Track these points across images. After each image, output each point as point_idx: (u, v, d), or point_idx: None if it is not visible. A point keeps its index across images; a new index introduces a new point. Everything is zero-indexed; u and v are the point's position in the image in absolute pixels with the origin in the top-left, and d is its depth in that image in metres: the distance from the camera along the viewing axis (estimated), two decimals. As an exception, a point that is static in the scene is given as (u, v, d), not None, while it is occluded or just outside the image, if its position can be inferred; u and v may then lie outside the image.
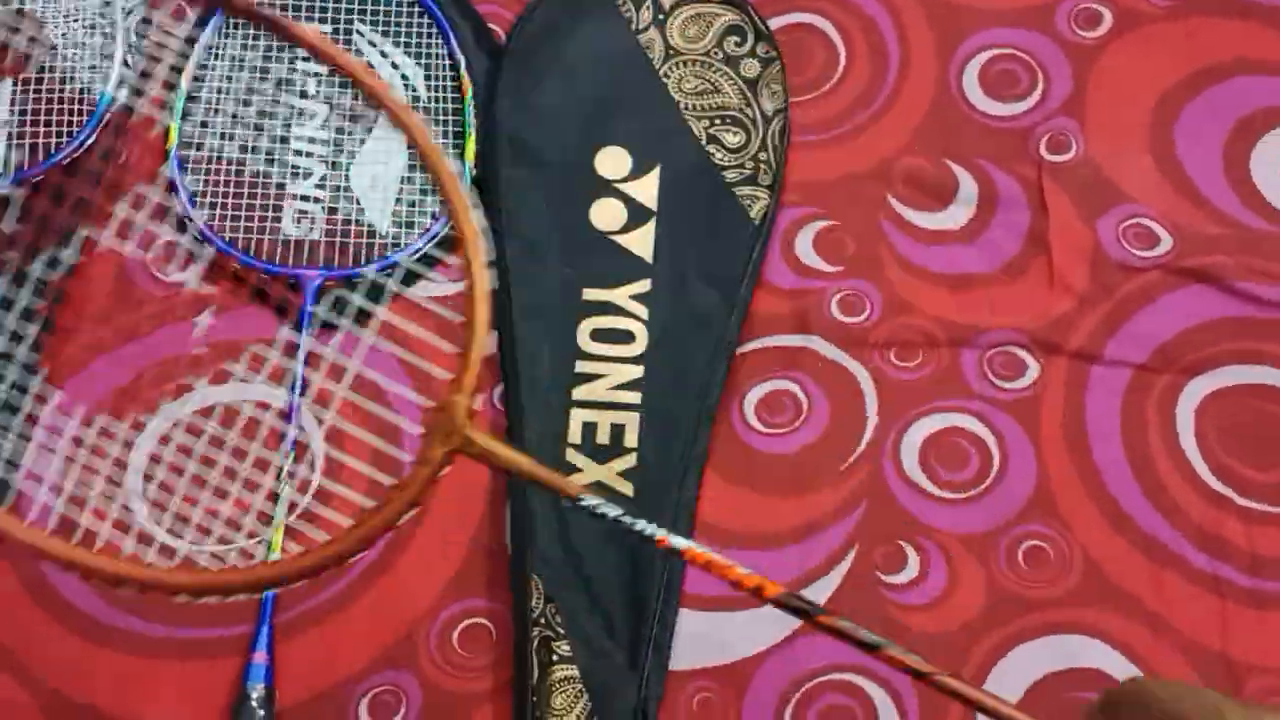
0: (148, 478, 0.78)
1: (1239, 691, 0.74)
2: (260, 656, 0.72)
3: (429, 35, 0.89)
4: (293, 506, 0.76)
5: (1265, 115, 0.89)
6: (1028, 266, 0.85)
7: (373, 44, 0.89)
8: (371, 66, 0.88)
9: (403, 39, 0.89)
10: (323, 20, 0.89)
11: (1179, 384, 0.82)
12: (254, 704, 0.70)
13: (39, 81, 0.85)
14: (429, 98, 0.88)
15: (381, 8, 0.89)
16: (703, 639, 0.75)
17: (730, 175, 0.86)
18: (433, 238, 0.83)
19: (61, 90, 0.85)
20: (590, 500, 0.55)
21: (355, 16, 0.89)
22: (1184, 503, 0.78)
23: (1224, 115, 0.89)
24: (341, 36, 0.88)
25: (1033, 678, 0.74)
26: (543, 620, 0.73)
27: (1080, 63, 0.91)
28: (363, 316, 0.81)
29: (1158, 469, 0.79)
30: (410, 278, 0.82)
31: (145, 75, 0.86)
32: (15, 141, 0.83)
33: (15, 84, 0.85)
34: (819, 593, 0.76)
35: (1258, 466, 0.79)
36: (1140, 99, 0.90)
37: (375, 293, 0.81)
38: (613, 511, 0.55)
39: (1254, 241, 0.85)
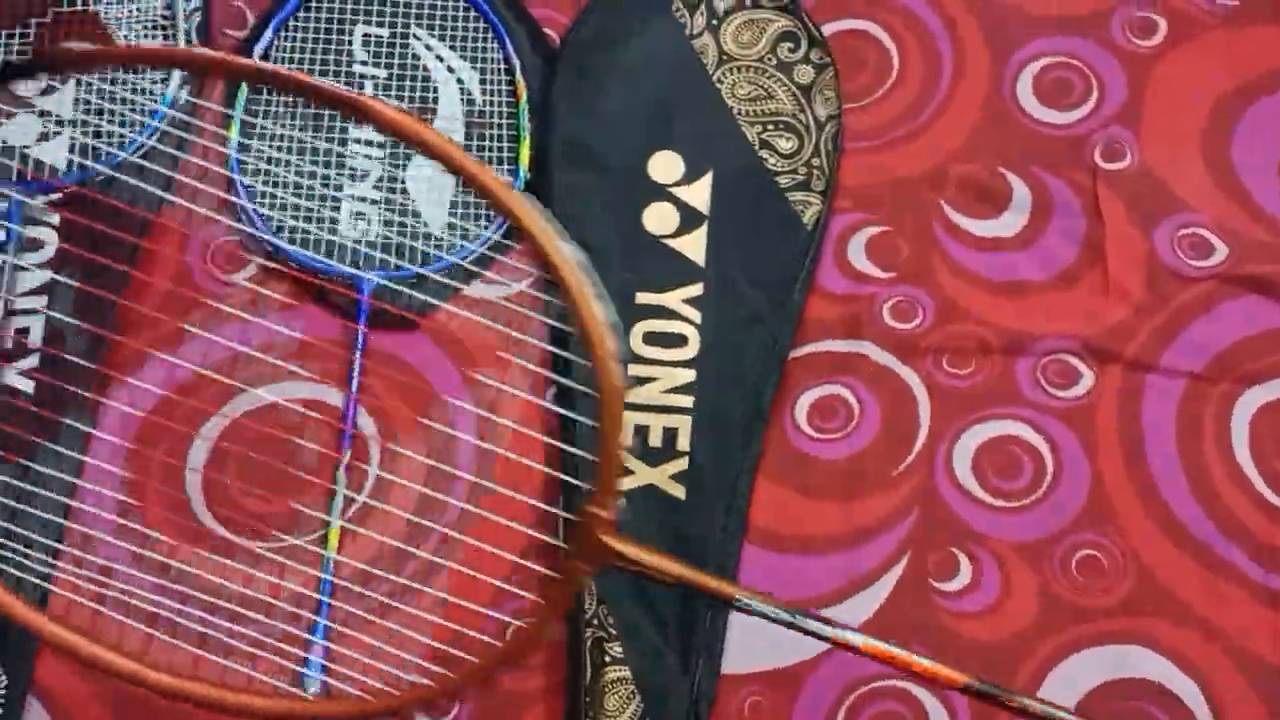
0: (206, 475, 0.79)
1: (1294, 704, 0.73)
2: (317, 652, 0.72)
3: (484, 39, 0.90)
4: (348, 504, 0.77)
5: (1323, 125, 0.88)
6: (1082, 274, 0.85)
7: (429, 48, 0.90)
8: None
9: (458, 43, 0.89)
10: (380, 24, 0.90)
11: (1235, 393, 0.81)
12: (310, 700, 0.70)
13: (103, 82, 0.86)
14: (484, 102, 0.88)
15: (438, 12, 0.90)
16: (755, 643, 0.75)
17: (783, 180, 0.86)
18: (487, 240, 0.84)
19: (124, 92, 0.86)
20: (750, 602, 0.55)
21: (412, 21, 0.90)
22: (1239, 513, 0.78)
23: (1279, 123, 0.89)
24: (399, 40, 0.89)
25: (1086, 687, 0.74)
26: (595, 621, 0.73)
27: (1135, 71, 0.90)
28: (418, 317, 0.82)
29: (1213, 479, 0.78)
30: (466, 278, 0.83)
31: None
32: (79, 141, 0.85)
33: (79, 84, 0.86)
34: (871, 599, 0.76)
35: (1315, 478, 0.79)
36: (1195, 107, 0.90)
37: (431, 293, 0.82)
38: (776, 614, 0.55)
39: (1312, 251, 0.85)
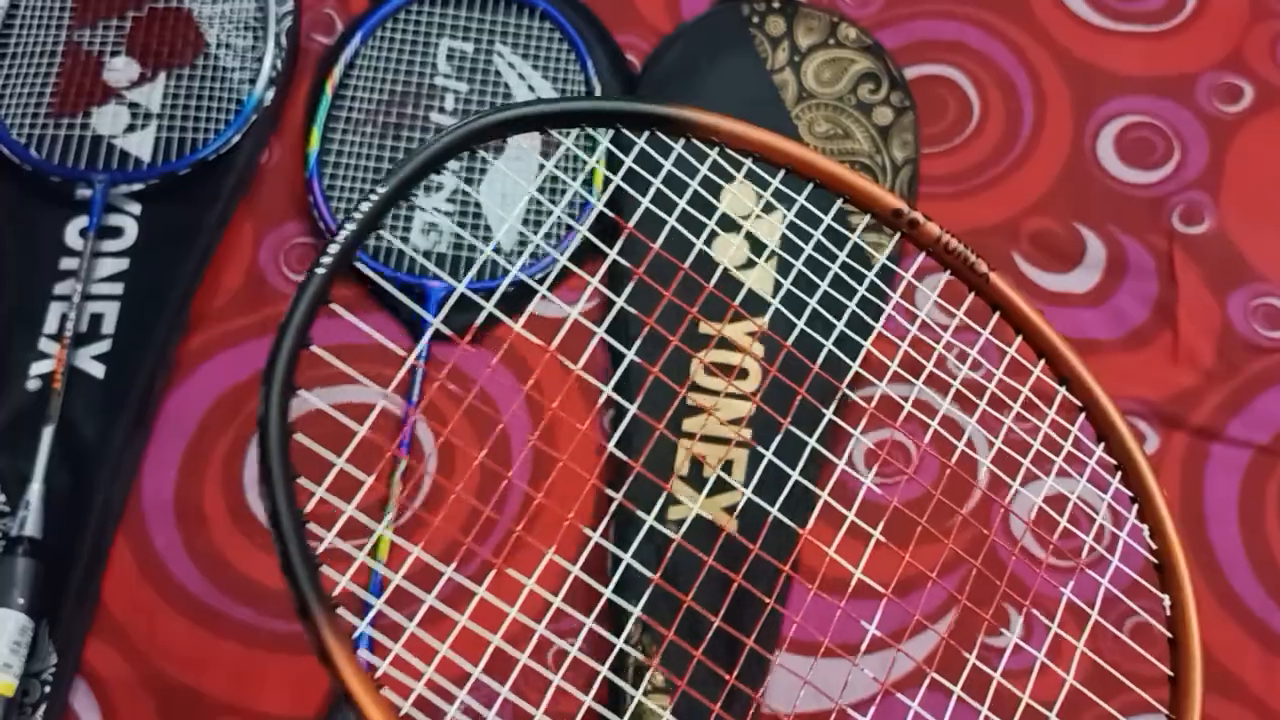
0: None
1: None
2: (361, 656, 0.72)
3: (566, 60, 0.90)
4: (401, 513, 0.77)
5: None
6: (1153, 337, 0.84)
7: (511, 65, 0.90)
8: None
9: (540, 62, 0.90)
10: (465, 39, 0.90)
11: (1301, 469, 0.80)
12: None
13: (191, 78, 0.88)
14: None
15: (523, 31, 0.91)
16: (798, 682, 0.74)
17: (855, 220, 0.86)
18: (555, 259, 0.84)
19: (212, 88, 0.87)
20: None
21: (497, 38, 0.91)
22: (1299, 591, 0.76)
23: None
24: (483, 56, 0.90)
25: (1132, 757, 0.72)
26: (638, 647, 0.73)
27: (1218, 136, 0.90)
28: (482, 331, 0.83)
29: (1274, 553, 0.77)
30: (533, 295, 0.83)
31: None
32: (165, 135, 0.86)
33: (169, 78, 0.88)
34: (917, 649, 0.76)
35: (1380, 561, 0.77)
36: (1277, 177, 0.89)
37: (496, 308, 0.82)
38: None
39: (1388, 330, 0.83)
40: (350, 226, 0.57)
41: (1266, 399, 0.81)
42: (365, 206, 0.57)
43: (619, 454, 0.66)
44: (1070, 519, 0.68)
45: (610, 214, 0.73)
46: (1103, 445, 0.66)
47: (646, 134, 0.67)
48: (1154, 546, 0.65)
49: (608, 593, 0.61)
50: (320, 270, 0.57)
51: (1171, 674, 0.63)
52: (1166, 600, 0.65)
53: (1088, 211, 0.88)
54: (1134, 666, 0.69)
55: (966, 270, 0.69)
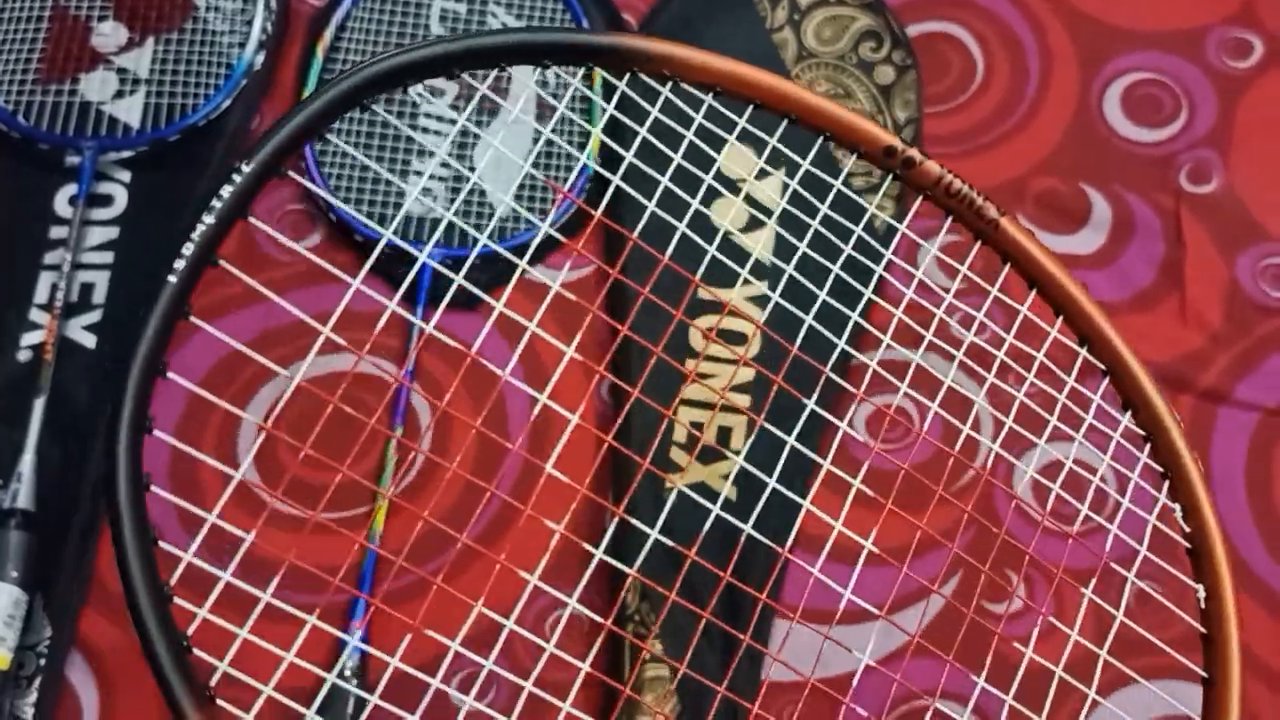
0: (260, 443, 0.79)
1: (1353, 757, 0.71)
2: (357, 626, 0.72)
3: (562, 19, 0.89)
4: (397, 481, 0.77)
5: None
6: (1160, 299, 0.82)
7: (505, 25, 0.89)
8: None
9: (535, 21, 0.88)
10: (458, 0, 0.89)
11: (1310, 432, 0.79)
12: (347, 673, 0.70)
13: (180, 43, 0.86)
14: (557, 85, 0.87)
15: (514, -10, 0.89)
16: (799, 650, 0.73)
17: (857, 183, 0.85)
18: (554, 222, 0.83)
19: (201, 52, 0.86)
20: None
21: (491, 1, 0.89)
22: (1307, 556, 0.75)
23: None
24: (476, 17, 0.88)
25: (1136, 723, 0.72)
26: (637, 617, 0.72)
27: (1227, 93, 0.88)
28: (477, 297, 0.82)
29: (1281, 518, 0.76)
30: (529, 261, 0.82)
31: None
32: (154, 101, 0.85)
33: (158, 43, 0.86)
34: (918, 615, 0.75)
35: (1389, 524, 0.76)
36: (1288, 133, 0.87)
37: (492, 274, 0.81)
38: None
39: (1400, 290, 0.82)
40: (208, 219, 0.52)
41: (1275, 361, 0.80)
42: (226, 192, 0.52)
43: (620, 449, 0.65)
44: (1091, 494, 0.65)
45: (605, 177, 0.71)
46: (1129, 414, 0.62)
47: (583, 70, 0.60)
48: (1187, 529, 0.59)
49: (599, 554, 0.60)
50: (172, 280, 0.51)
51: (1205, 675, 0.57)
52: (1201, 590, 0.59)
53: (1094, 171, 0.86)
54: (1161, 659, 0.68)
55: (973, 216, 0.62)
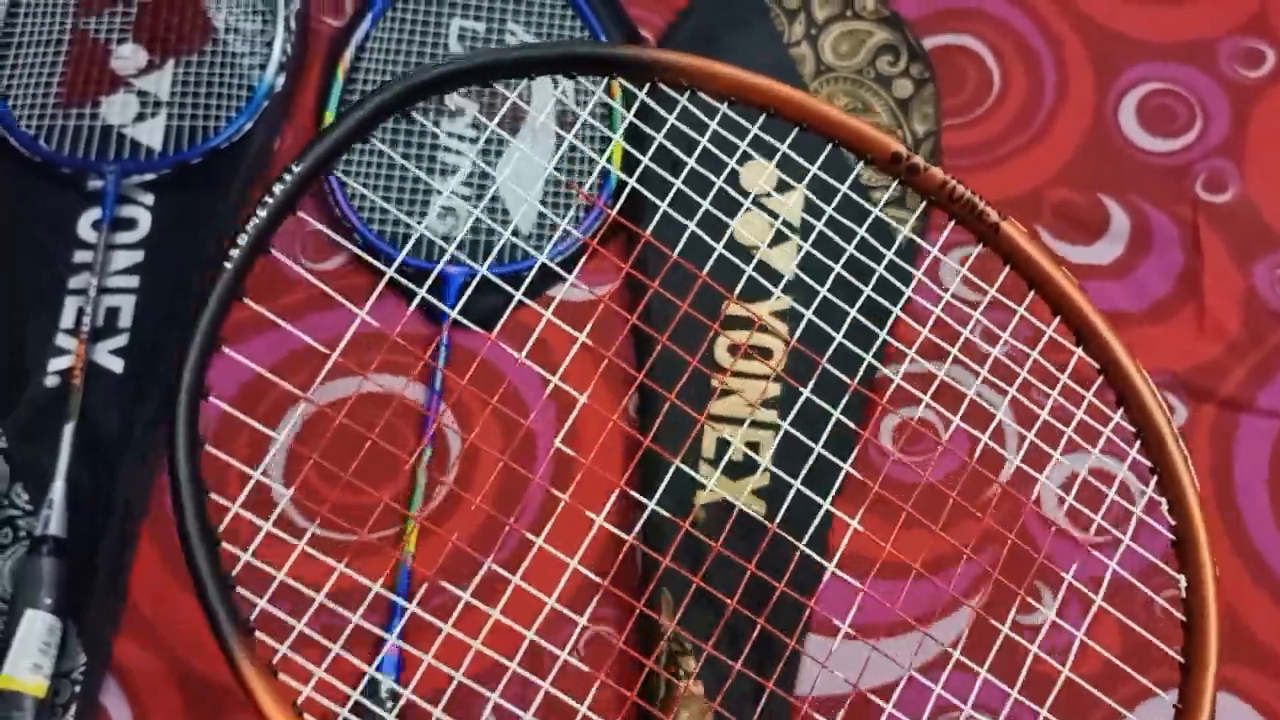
0: (286, 465, 0.79)
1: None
2: (391, 649, 0.72)
3: (581, 37, 0.89)
4: (426, 501, 0.77)
5: None
6: (1178, 308, 0.83)
7: (524, 43, 0.89)
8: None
9: (553, 39, 0.89)
10: (477, 18, 0.89)
11: (1330, 439, 0.79)
12: (383, 695, 0.70)
13: (200, 65, 0.86)
14: (577, 100, 0.88)
15: (534, 7, 0.89)
16: (831, 666, 0.74)
17: (878, 196, 0.85)
18: (575, 242, 0.83)
19: (221, 74, 0.86)
20: None
21: (509, 16, 0.89)
22: (1331, 563, 0.76)
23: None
24: (495, 35, 0.89)
25: (1168, 732, 0.72)
26: (670, 635, 0.73)
27: (1240, 102, 0.88)
28: (502, 315, 0.82)
29: (1306, 527, 0.77)
30: (553, 279, 0.83)
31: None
32: (175, 123, 0.85)
33: (178, 65, 0.86)
34: (948, 629, 0.75)
35: None
36: (1302, 141, 0.88)
37: (516, 292, 0.81)
38: None
39: None
40: (261, 213, 0.58)
41: (1294, 368, 0.81)
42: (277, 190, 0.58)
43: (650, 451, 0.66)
44: (1085, 493, 0.67)
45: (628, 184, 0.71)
46: (1122, 411, 0.63)
47: (605, 81, 0.64)
48: (1172, 522, 0.62)
49: (631, 537, 0.61)
50: (228, 266, 0.57)
51: (1183, 660, 0.59)
52: (1182, 581, 0.61)
53: (1111, 181, 0.87)
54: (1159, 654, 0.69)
55: (974, 220, 0.65)
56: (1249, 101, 0.88)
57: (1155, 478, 0.62)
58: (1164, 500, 0.62)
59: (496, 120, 0.65)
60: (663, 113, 0.87)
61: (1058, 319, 0.65)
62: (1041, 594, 0.76)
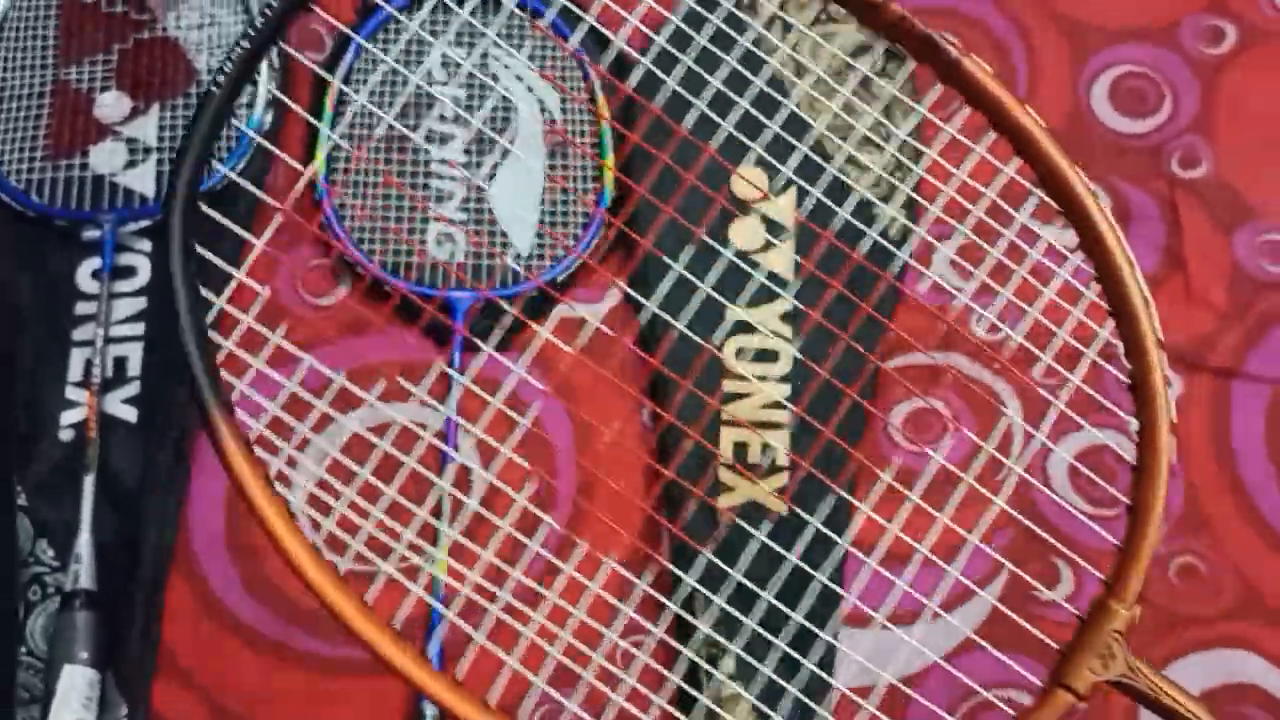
0: (309, 501, 0.79)
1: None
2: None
3: (563, 60, 0.90)
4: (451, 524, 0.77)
5: (1393, 127, 0.89)
6: (1164, 282, 0.85)
7: (507, 68, 0.90)
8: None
9: (538, 64, 0.90)
10: (459, 44, 0.90)
11: (1319, 399, 0.82)
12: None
13: (186, 108, 0.86)
14: (564, 122, 0.89)
15: (516, 33, 0.90)
16: (866, 657, 0.75)
17: (867, 194, 0.87)
18: (575, 260, 0.84)
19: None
20: None
21: (490, 42, 0.90)
22: (1332, 518, 0.79)
23: (1351, 127, 0.90)
24: (479, 62, 0.89)
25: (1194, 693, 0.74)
26: (706, 638, 0.74)
27: (1206, 79, 0.91)
28: (511, 337, 0.83)
29: (1305, 485, 0.79)
30: (556, 297, 0.84)
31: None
32: (167, 168, 0.85)
33: (163, 110, 0.86)
34: (972, 613, 0.77)
35: (1405, 482, 0.79)
36: (1266, 114, 0.90)
37: (524, 313, 0.82)
38: None
39: (1389, 255, 0.85)
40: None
41: (1280, 333, 0.84)
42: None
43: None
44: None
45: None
46: (1081, 255, 0.63)
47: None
48: (1129, 366, 0.61)
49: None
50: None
51: (1130, 503, 0.59)
52: (1134, 424, 0.60)
53: (1089, 164, 0.87)
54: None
55: (933, 56, 0.65)
56: (1214, 78, 0.91)
57: (1113, 320, 0.62)
58: (1120, 343, 0.62)
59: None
60: (654, 129, 0.89)
61: (1018, 160, 0.66)
62: (1060, 570, 0.78)
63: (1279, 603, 0.77)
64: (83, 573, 0.72)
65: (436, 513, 0.77)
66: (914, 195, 0.87)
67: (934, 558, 0.78)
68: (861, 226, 0.87)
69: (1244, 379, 0.82)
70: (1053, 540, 0.72)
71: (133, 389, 0.80)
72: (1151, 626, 0.77)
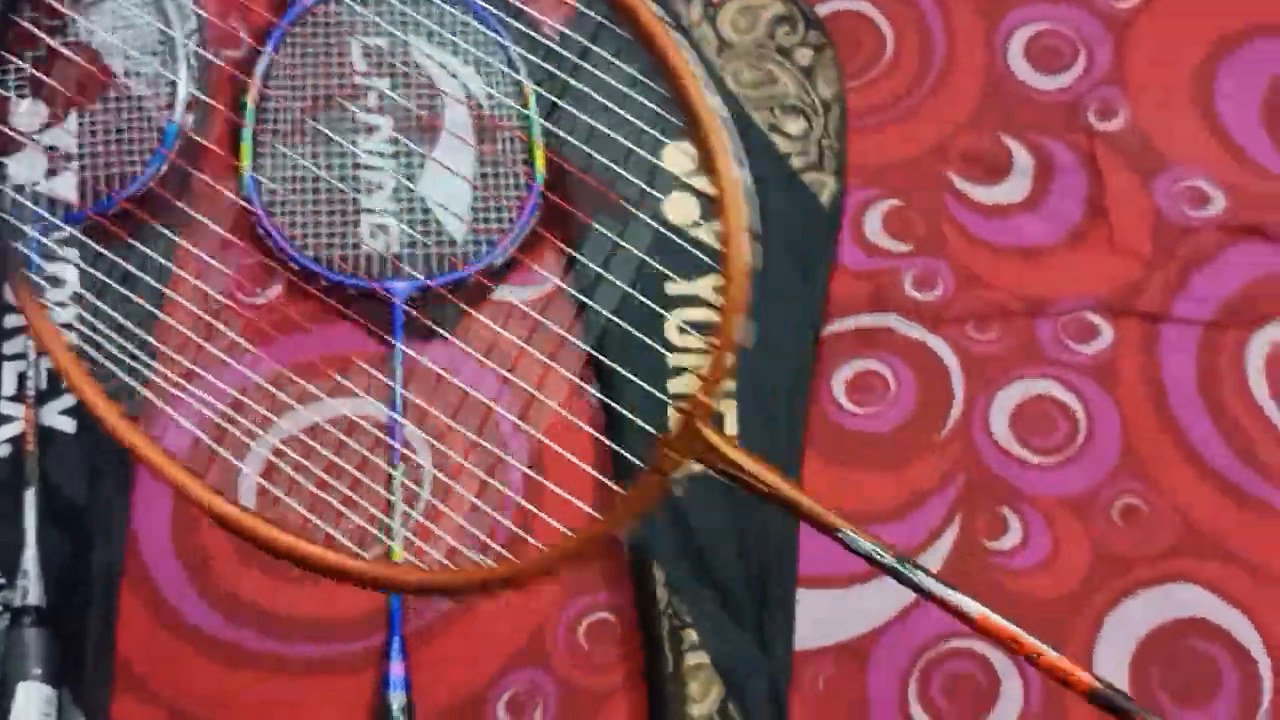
0: (259, 504, 0.78)
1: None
2: (397, 668, 0.72)
3: (484, 46, 0.89)
4: (406, 517, 0.77)
5: (1300, 71, 0.92)
6: (1090, 233, 0.87)
7: (429, 56, 0.89)
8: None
9: (460, 51, 0.89)
10: (379, 35, 0.89)
11: (1244, 338, 0.84)
12: (396, 713, 0.71)
13: (105, 113, 0.85)
14: (491, 107, 0.88)
15: (434, 18, 0.90)
16: (823, 617, 0.76)
17: (796, 163, 0.88)
18: (511, 244, 0.84)
19: (130, 120, 0.85)
20: (854, 537, 0.55)
21: (410, 30, 0.89)
22: (1265, 452, 0.81)
23: (1259, 73, 0.92)
24: (400, 50, 0.89)
25: (1143, 630, 0.77)
26: (670, 610, 0.74)
27: (1118, 32, 0.93)
28: (450, 324, 0.82)
29: (1237, 420, 0.82)
30: (494, 282, 0.84)
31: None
32: (89, 175, 0.83)
33: (81, 117, 0.85)
34: (928, 565, 0.78)
35: (1332, 411, 0.82)
36: (1178, 63, 0.92)
37: (463, 299, 0.82)
38: (881, 555, 0.54)
39: (1302, 193, 0.88)
40: None
41: (1203, 277, 0.86)
42: None
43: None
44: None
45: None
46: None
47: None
48: (715, 191, 0.59)
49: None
50: None
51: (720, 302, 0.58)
52: (718, 225, 0.59)
53: (1010, 122, 0.91)
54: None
55: None
56: (1125, 32, 0.93)
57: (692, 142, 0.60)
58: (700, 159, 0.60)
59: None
60: (577, 112, 0.89)
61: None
62: (1008, 518, 0.79)
63: (1219, 537, 0.79)
64: (31, 588, 0.71)
65: (389, 504, 0.77)
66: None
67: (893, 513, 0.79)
68: (795, 203, 0.89)
69: (1172, 323, 0.84)
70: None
71: (69, 399, 0.78)
72: (1103, 567, 0.78)
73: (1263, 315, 0.85)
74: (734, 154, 0.58)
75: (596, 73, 0.89)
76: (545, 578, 0.57)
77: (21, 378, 0.77)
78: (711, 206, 0.57)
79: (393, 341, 0.81)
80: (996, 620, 0.55)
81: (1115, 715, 0.54)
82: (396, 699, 0.71)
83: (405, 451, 0.79)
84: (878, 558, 0.55)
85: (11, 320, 0.80)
